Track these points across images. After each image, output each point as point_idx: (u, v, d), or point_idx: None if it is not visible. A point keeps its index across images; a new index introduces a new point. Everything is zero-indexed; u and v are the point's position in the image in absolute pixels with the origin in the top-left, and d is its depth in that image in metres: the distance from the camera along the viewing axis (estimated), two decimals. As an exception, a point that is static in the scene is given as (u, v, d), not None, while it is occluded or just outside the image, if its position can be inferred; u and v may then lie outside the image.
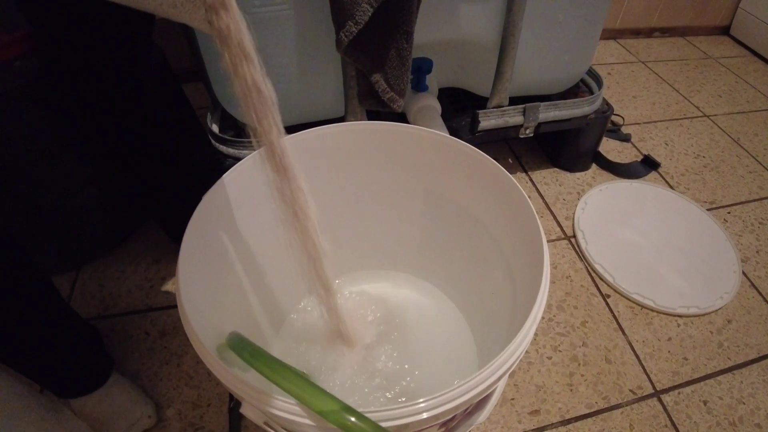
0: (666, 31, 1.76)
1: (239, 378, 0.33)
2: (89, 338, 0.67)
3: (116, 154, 0.71)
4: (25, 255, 0.55)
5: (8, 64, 0.66)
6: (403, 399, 0.60)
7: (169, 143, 0.71)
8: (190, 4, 0.27)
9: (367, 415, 0.31)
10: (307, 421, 0.31)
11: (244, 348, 0.36)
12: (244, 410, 0.34)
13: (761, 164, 1.18)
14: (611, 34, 1.70)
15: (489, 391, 0.38)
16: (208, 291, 0.46)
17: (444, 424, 0.43)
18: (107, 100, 0.62)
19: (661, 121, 1.31)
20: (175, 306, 0.82)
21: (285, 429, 0.35)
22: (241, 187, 0.52)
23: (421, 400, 0.33)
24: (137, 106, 0.64)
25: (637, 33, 1.73)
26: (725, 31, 1.83)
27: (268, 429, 0.35)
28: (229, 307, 0.51)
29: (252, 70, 0.32)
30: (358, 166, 0.61)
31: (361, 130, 0.57)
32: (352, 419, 0.30)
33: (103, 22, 0.54)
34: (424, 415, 0.33)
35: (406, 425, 0.33)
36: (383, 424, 0.31)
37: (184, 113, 0.72)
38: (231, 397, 0.70)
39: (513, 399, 0.71)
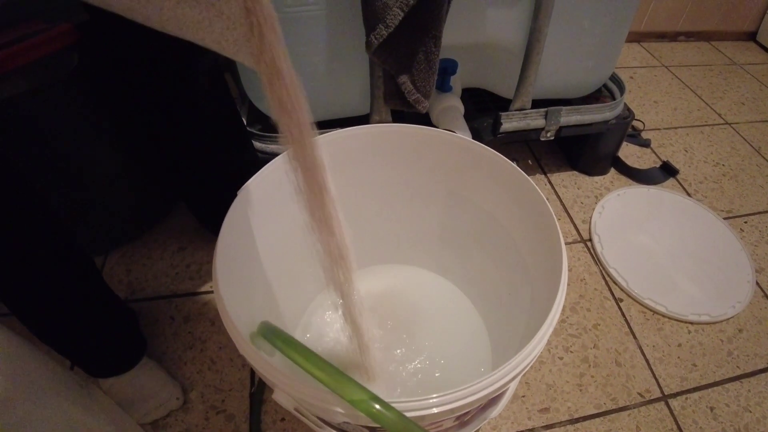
0: (691, 36, 1.75)
1: (273, 365, 0.35)
2: (127, 319, 0.69)
3: (160, 142, 0.74)
4: (71, 235, 0.58)
5: (51, 57, 0.69)
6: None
7: (213, 135, 0.73)
8: (234, 44, 0.28)
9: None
10: (337, 409, 0.34)
11: (277, 336, 0.39)
12: (276, 396, 0.36)
13: (782, 175, 1.18)
14: (635, 37, 1.69)
15: (500, 392, 0.40)
16: (239, 283, 0.48)
17: (458, 417, 0.45)
18: (162, 92, 0.64)
19: (681, 127, 1.31)
20: (199, 293, 0.85)
21: (314, 415, 0.38)
22: (273, 184, 0.54)
23: (433, 395, 0.35)
24: (190, 99, 0.66)
25: (661, 36, 1.72)
26: (752, 36, 1.81)
27: (298, 414, 0.37)
28: (256, 300, 0.53)
29: (294, 99, 0.32)
30: (384, 165, 0.63)
31: (389, 131, 0.59)
32: (377, 407, 0.32)
33: None
34: (434, 410, 0.35)
35: (421, 417, 0.35)
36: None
37: (227, 106, 0.74)
38: (252, 382, 0.73)
39: (524, 396, 0.73)
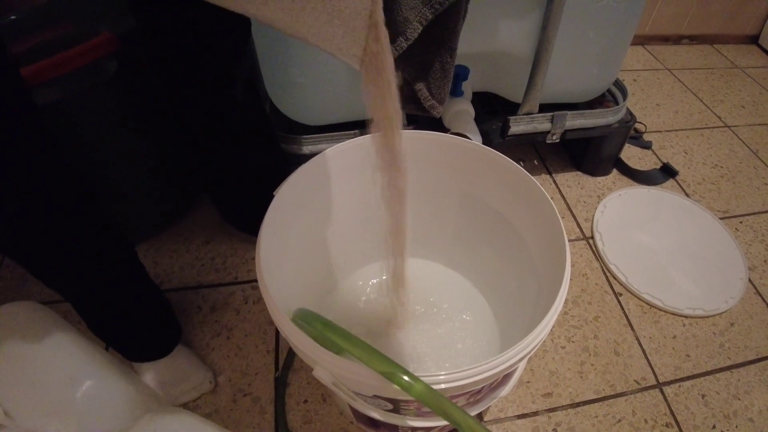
0: (694, 39, 1.79)
1: (316, 345, 0.41)
2: (165, 307, 0.75)
3: (194, 143, 0.79)
4: (117, 226, 0.63)
5: (92, 65, 0.74)
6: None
7: (245, 139, 0.78)
8: (354, 55, 0.32)
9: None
10: (371, 381, 0.39)
11: (316, 320, 0.44)
12: (316, 372, 0.42)
13: (778, 176, 1.23)
14: (639, 40, 1.73)
15: (507, 372, 0.45)
16: (277, 274, 0.54)
17: (471, 395, 0.51)
18: (201, 99, 0.69)
19: (682, 129, 1.36)
20: (224, 284, 0.91)
21: (350, 389, 0.43)
22: (307, 185, 0.60)
23: (441, 373, 0.40)
24: (227, 106, 0.71)
25: (665, 40, 1.76)
26: (754, 40, 1.84)
27: (335, 388, 0.43)
28: (293, 288, 0.59)
29: (392, 102, 0.38)
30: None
31: (410, 137, 0.64)
32: (406, 378, 0.38)
33: (207, 26, 0.61)
34: (443, 386, 0.40)
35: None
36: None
37: (258, 112, 0.79)
38: (276, 367, 0.79)
39: (529, 382, 0.79)
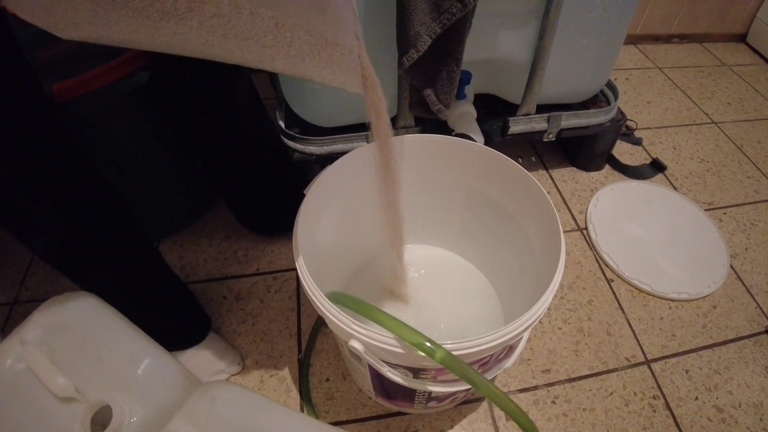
0: (684, 38, 1.85)
1: (353, 320, 0.48)
2: (191, 300, 0.81)
3: (207, 151, 0.85)
4: (143, 230, 0.68)
5: (129, 75, 0.80)
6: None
7: (251, 142, 0.84)
8: (356, 87, 0.42)
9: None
10: (399, 350, 0.47)
11: (347, 299, 0.52)
12: (351, 343, 0.49)
13: (760, 170, 1.30)
14: (631, 40, 1.79)
15: (511, 343, 0.52)
16: (310, 261, 0.61)
17: (481, 364, 0.58)
18: (211, 105, 0.76)
19: (671, 126, 1.43)
20: (248, 275, 0.98)
21: (379, 357, 0.51)
22: (333, 182, 0.67)
23: (458, 341, 0.48)
24: (232, 111, 0.77)
25: (656, 39, 1.82)
26: (742, 38, 1.90)
27: (367, 357, 0.50)
28: (322, 273, 0.66)
29: (384, 122, 0.49)
30: (417, 166, 0.75)
31: (423, 140, 0.71)
32: (429, 345, 0.45)
33: None
34: (459, 352, 0.47)
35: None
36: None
37: (262, 116, 0.86)
38: (299, 349, 0.86)
39: (529, 359, 0.87)
